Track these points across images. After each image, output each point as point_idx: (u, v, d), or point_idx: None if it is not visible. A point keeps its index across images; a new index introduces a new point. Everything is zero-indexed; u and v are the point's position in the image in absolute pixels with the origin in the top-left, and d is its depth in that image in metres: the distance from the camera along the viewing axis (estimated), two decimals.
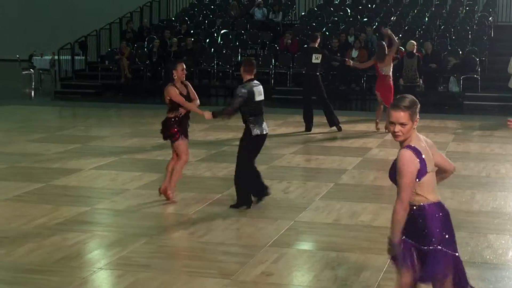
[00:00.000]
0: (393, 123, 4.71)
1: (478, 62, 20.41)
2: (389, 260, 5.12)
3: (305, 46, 19.37)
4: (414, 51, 16.82)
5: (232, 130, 14.74)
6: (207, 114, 9.03)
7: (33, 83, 25.42)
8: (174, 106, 9.07)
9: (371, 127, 15.67)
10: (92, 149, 13.29)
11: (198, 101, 9.19)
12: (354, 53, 20.84)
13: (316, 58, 15.16)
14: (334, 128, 15.30)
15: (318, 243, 7.91)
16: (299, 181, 10.83)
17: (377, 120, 15.32)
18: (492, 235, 8.10)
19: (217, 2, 27.84)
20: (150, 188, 10.14)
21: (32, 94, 24.17)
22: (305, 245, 8.06)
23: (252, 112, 8.90)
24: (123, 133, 15.26)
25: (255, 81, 9.04)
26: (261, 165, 11.67)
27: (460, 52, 20.99)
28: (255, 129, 8.92)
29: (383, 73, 15.03)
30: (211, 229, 8.27)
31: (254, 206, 9.19)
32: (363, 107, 20.76)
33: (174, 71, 9.05)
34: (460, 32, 22.79)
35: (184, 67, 9.17)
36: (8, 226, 8.36)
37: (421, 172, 4.69)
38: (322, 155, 12.84)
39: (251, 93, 8.86)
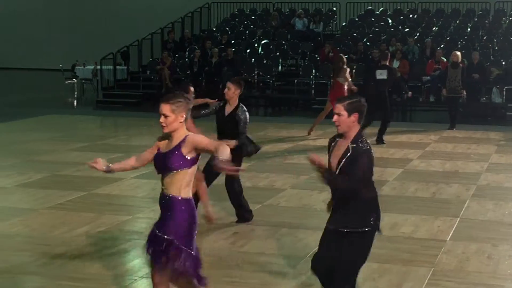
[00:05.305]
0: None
1: None
2: None
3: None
4: (459, 61, 16.69)
5: (271, 141, 14.76)
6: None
7: (76, 93, 25.72)
8: None
9: (412, 137, 15.55)
10: None
11: None
12: (396, 63, 20.68)
13: (380, 74, 15.12)
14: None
15: None
16: None
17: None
18: None
19: (258, 12, 27.96)
20: None
21: (75, 103, 24.44)
22: None
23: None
24: None
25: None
26: (301, 175, 11.70)
27: (503, 63, 20.76)
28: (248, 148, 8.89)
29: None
30: (251, 239, 8.28)
31: (294, 217, 9.18)
32: (404, 117, 20.58)
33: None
34: (503, 42, 22.55)
35: (192, 90, 8.70)
36: (51, 234, 8.46)
37: None
38: None
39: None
